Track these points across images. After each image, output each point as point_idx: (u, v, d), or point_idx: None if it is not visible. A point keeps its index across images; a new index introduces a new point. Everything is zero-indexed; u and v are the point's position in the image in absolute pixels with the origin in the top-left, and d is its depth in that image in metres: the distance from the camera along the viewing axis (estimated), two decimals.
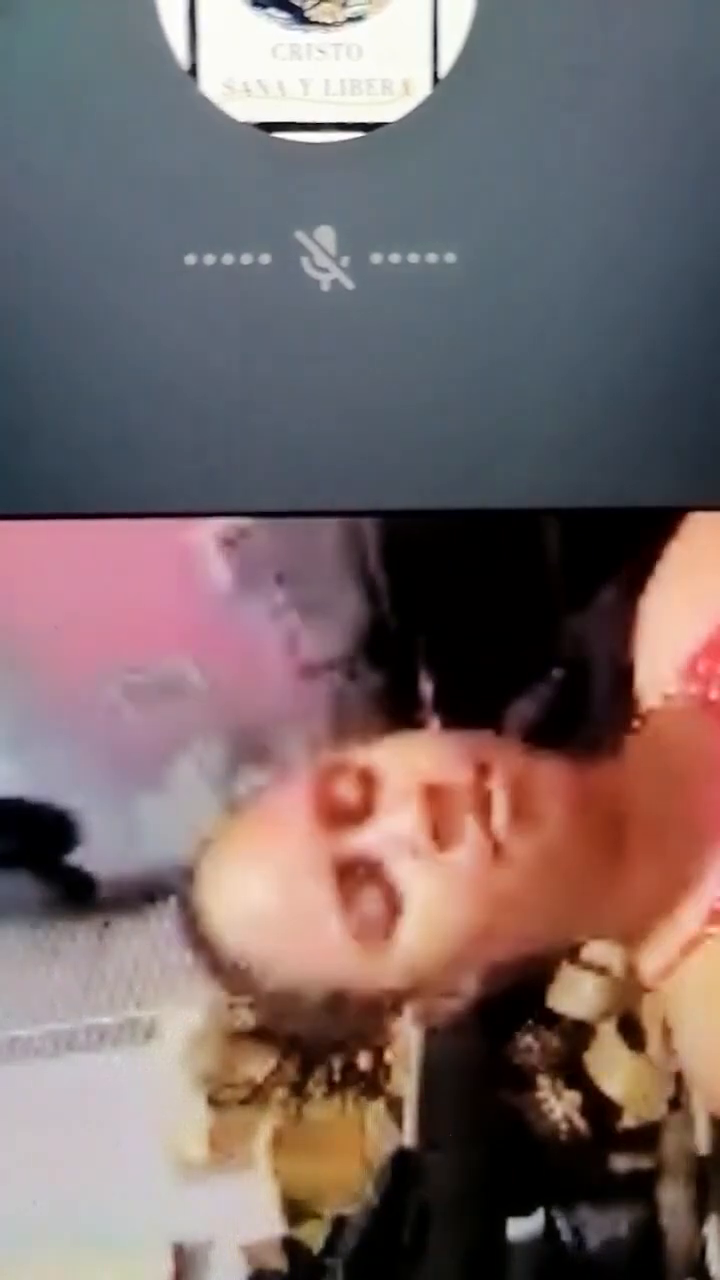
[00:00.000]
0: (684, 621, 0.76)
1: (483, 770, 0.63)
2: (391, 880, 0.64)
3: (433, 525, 1.08)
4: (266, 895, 0.65)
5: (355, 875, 0.64)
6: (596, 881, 0.66)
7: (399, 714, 1.19)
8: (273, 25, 0.69)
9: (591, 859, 0.65)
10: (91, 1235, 1.37)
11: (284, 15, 0.69)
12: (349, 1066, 1.35)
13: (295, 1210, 1.33)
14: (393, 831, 0.64)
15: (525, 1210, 1.21)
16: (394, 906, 0.64)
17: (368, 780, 0.65)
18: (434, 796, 0.63)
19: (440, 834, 0.62)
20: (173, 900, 0.71)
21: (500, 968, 0.68)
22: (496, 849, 0.62)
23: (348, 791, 0.65)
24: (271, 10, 0.68)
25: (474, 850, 0.62)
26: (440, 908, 0.63)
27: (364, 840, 0.64)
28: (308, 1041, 1.33)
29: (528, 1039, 1.24)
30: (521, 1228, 1.21)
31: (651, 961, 0.71)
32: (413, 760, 0.65)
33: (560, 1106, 1.23)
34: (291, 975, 0.67)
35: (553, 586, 1.11)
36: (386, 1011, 0.69)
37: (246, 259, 0.70)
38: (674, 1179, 1.18)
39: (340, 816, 0.65)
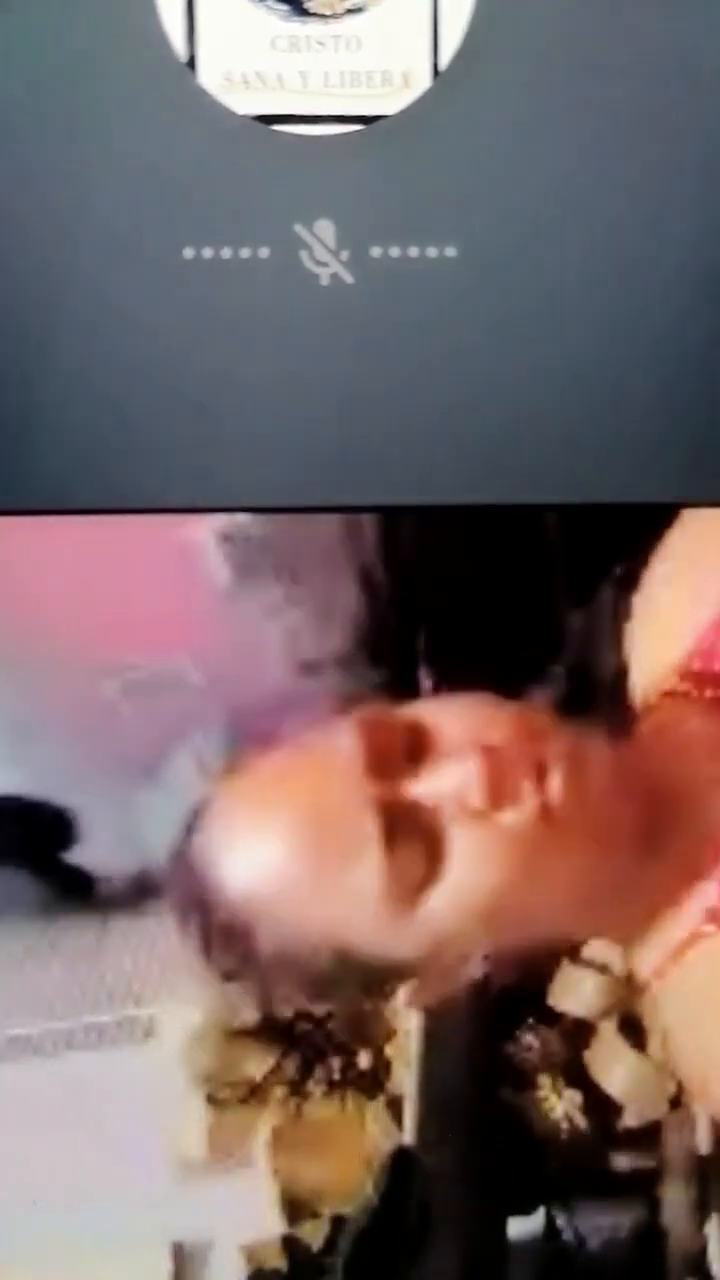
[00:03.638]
0: (681, 619, 0.76)
1: (539, 736, 0.63)
2: (438, 832, 0.63)
3: (432, 520, 1.07)
4: (300, 832, 0.63)
5: (403, 821, 0.63)
6: (619, 867, 0.66)
7: None
8: (272, 17, 0.68)
9: (622, 841, 0.65)
10: (90, 1234, 1.37)
11: (283, 7, 0.68)
12: (349, 1065, 1.35)
13: (295, 1209, 1.33)
14: (447, 784, 0.63)
15: (525, 1210, 1.21)
16: (436, 862, 0.63)
17: (417, 734, 0.64)
18: (492, 756, 0.62)
19: (496, 793, 0.62)
20: (170, 866, 0.69)
21: (506, 957, 0.68)
22: (547, 813, 0.62)
23: (397, 740, 0.64)
24: (270, 2, 0.68)
25: (527, 811, 0.62)
26: (482, 866, 0.62)
27: (415, 789, 0.63)
28: (299, 1033, 1.33)
29: (528, 1037, 1.24)
30: (521, 1227, 1.21)
31: (648, 960, 0.71)
32: (468, 719, 0.65)
33: (561, 1105, 1.23)
34: (298, 933, 0.65)
35: (553, 583, 1.11)
36: (384, 989, 0.69)
37: (245, 253, 0.70)
38: (675, 1178, 1.18)
39: (389, 763, 0.63)
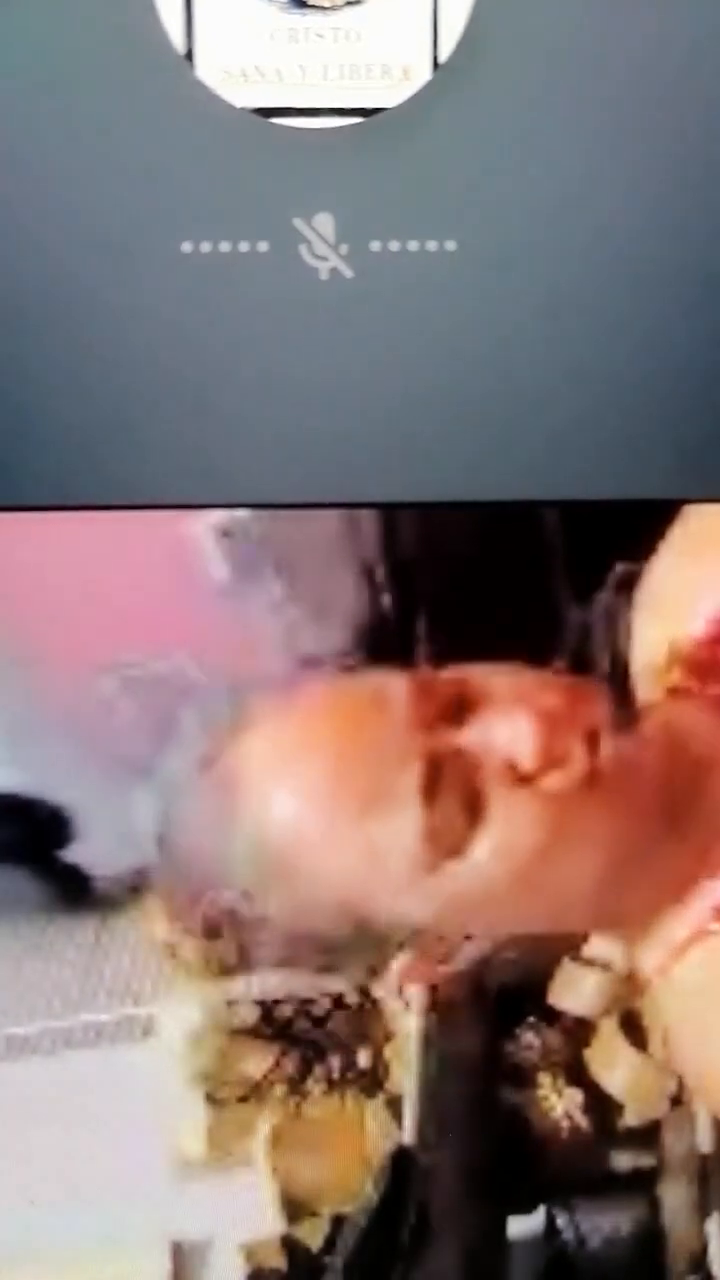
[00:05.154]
0: (683, 616, 0.76)
1: (590, 701, 0.63)
2: (480, 788, 0.62)
3: (432, 517, 1.07)
4: (344, 770, 0.63)
5: (445, 773, 0.62)
6: (641, 848, 0.66)
7: None
8: (271, 9, 0.68)
9: (649, 819, 0.65)
10: (89, 1234, 1.37)
11: None
12: (348, 1064, 1.35)
13: (294, 1208, 1.33)
14: (495, 737, 0.63)
15: (525, 1209, 1.21)
16: (475, 819, 0.62)
17: (466, 690, 0.64)
18: (545, 716, 0.62)
19: (547, 753, 0.62)
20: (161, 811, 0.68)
21: (505, 948, 0.68)
22: (593, 779, 0.62)
23: (446, 694, 0.64)
24: None
25: (574, 775, 0.62)
26: (521, 827, 0.62)
27: (464, 739, 0.63)
28: (299, 1032, 1.33)
29: (528, 1036, 1.24)
30: (521, 1227, 1.20)
31: (651, 957, 0.71)
32: (519, 682, 0.65)
33: (561, 1104, 1.23)
34: (312, 890, 0.65)
35: (554, 580, 1.10)
36: (381, 957, 0.68)
37: (244, 246, 0.70)
38: (676, 1177, 1.18)
39: (436, 714, 0.63)
